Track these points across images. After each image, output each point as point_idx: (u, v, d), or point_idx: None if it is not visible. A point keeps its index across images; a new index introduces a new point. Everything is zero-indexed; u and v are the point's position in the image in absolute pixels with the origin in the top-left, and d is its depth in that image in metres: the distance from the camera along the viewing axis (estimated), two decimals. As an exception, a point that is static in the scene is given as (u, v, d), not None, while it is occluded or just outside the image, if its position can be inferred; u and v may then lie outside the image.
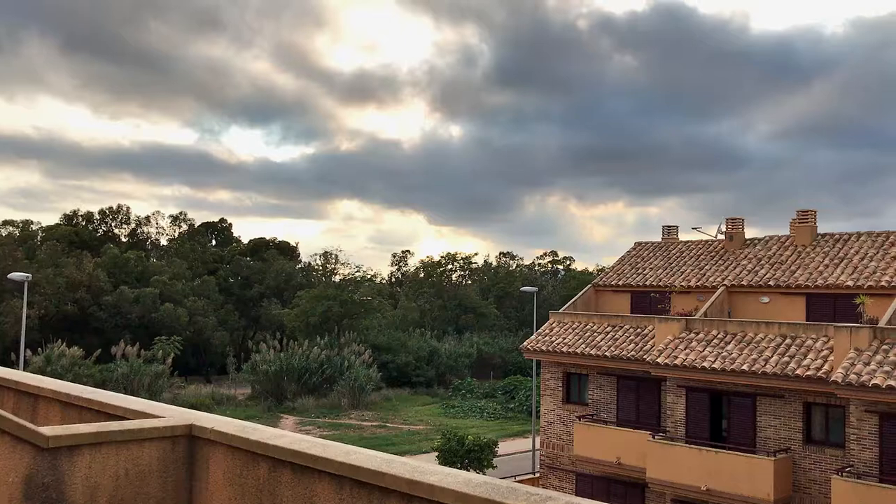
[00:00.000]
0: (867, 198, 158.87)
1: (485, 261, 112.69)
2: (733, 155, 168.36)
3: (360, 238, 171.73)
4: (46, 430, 4.38)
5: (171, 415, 5.17)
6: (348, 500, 3.90)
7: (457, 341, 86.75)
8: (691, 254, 31.01)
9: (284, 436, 4.42)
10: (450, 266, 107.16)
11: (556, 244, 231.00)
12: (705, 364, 23.42)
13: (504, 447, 43.80)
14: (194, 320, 76.35)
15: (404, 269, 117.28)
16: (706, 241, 31.68)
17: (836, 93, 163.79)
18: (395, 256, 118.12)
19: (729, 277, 28.02)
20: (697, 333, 24.89)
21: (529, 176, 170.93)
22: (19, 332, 34.47)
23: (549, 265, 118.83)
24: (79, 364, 57.50)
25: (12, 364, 50.49)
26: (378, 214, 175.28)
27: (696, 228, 33.03)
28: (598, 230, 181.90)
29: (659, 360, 24.35)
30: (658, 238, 33.56)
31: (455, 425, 57.04)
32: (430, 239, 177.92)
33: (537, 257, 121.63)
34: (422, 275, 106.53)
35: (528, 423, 59.51)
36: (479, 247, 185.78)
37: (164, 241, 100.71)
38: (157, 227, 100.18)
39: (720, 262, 29.50)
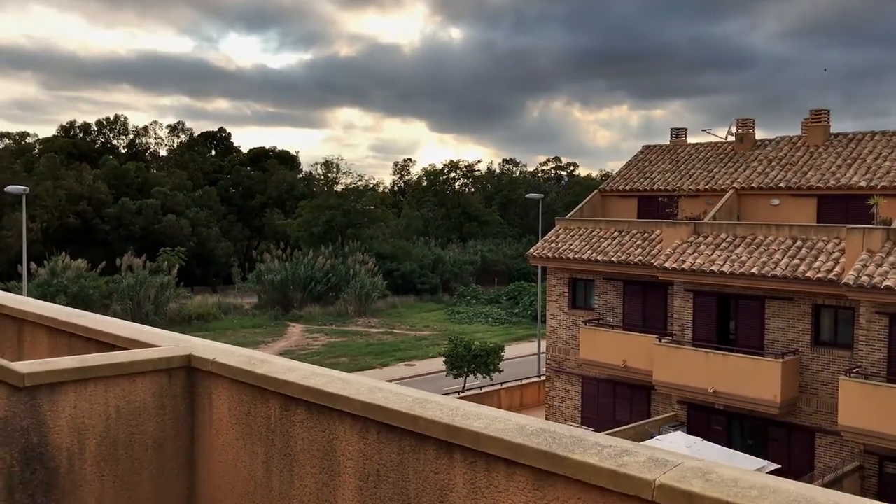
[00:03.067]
0: (875, 98, 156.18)
1: (488, 168, 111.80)
2: (740, 55, 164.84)
3: (362, 147, 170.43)
4: (21, 366, 3.83)
5: (168, 343, 4.53)
6: (375, 444, 3.40)
7: (461, 249, 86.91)
8: (700, 156, 30.40)
9: (296, 369, 3.86)
10: (452, 174, 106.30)
11: (560, 150, 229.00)
12: (714, 268, 23.18)
13: (509, 351, 44.20)
14: (197, 231, 76.26)
15: (407, 177, 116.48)
16: (715, 144, 31.02)
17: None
18: (396, 165, 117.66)
19: (738, 180, 27.50)
20: (706, 237, 24.57)
21: (532, 80, 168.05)
22: (22, 245, 34.37)
23: (553, 171, 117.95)
24: (84, 276, 57.67)
25: (19, 277, 50.58)
26: (378, 122, 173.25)
27: (705, 130, 32.50)
28: (602, 135, 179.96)
29: (666, 264, 24.12)
30: (665, 141, 32.89)
31: (461, 331, 57.59)
32: (432, 147, 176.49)
33: (541, 164, 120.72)
34: (424, 183, 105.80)
35: (533, 328, 60.08)
36: (482, 154, 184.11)
37: (163, 152, 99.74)
38: (155, 138, 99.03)
39: (730, 164, 28.92)
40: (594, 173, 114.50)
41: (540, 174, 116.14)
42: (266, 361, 4.04)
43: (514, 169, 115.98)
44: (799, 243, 22.71)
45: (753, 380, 22.21)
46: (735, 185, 27.28)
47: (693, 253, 24.07)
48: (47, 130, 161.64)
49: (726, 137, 30.81)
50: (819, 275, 21.19)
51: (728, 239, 24.08)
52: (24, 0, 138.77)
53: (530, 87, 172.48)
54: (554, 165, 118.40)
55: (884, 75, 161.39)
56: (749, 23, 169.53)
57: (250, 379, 3.91)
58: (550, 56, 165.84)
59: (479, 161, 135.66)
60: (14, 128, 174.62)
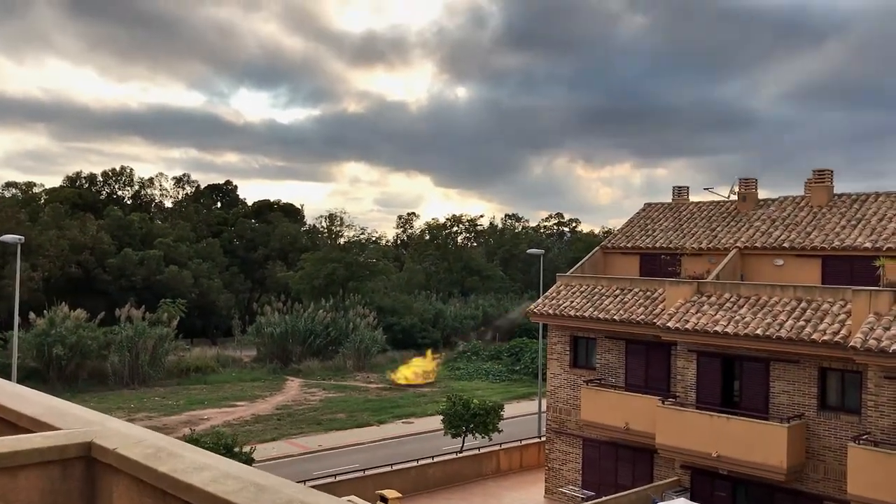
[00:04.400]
0: (877, 159, 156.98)
1: (490, 223, 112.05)
2: (742, 116, 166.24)
3: (366, 201, 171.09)
4: None
5: (71, 424, 3.63)
6: None
7: (462, 303, 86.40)
8: (702, 215, 30.20)
9: (207, 469, 3.04)
10: (455, 228, 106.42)
11: (563, 206, 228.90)
12: (717, 328, 22.76)
13: (510, 410, 43.46)
14: (199, 283, 75.99)
15: (410, 231, 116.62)
16: (718, 202, 30.84)
17: (848, 54, 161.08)
18: (400, 219, 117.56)
19: (742, 239, 27.23)
20: (709, 297, 24.21)
21: (536, 138, 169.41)
22: (23, 295, 34.08)
23: (555, 227, 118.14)
24: (83, 326, 57.17)
25: (12, 326, 50.13)
26: (384, 177, 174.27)
27: (707, 189, 32.25)
28: (605, 192, 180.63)
29: (670, 323, 23.70)
30: (668, 199, 32.74)
31: (460, 387, 56.79)
32: (436, 201, 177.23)
33: (543, 219, 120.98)
34: (427, 237, 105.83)
35: (534, 386, 59.23)
36: (485, 209, 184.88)
37: (168, 204, 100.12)
38: (160, 189, 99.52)
39: (732, 223, 28.69)
40: (596, 230, 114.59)
41: (542, 230, 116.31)
42: (175, 455, 3.19)
43: (517, 224, 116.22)
44: (804, 304, 22.32)
45: (759, 444, 21.61)
46: (738, 244, 26.99)
47: (696, 312, 23.68)
48: (56, 181, 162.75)
49: (729, 196, 30.66)
50: (825, 337, 20.76)
51: (732, 299, 23.71)
52: (40, 54, 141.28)
53: (534, 143, 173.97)
54: (556, 221, 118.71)
55: (884, 137, 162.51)
56: (750, 85, 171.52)
57: (152, 478, 3.11)
58: (555, 114, 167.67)
59: (481, 216, 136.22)
60: (25, 178, 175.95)
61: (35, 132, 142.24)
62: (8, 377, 43.91)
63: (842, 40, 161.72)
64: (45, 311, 57.94)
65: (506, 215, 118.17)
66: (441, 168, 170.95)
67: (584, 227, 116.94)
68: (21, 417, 3.77)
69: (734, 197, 30.21)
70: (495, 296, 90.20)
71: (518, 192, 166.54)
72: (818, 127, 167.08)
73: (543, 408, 38.71)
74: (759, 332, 21.99)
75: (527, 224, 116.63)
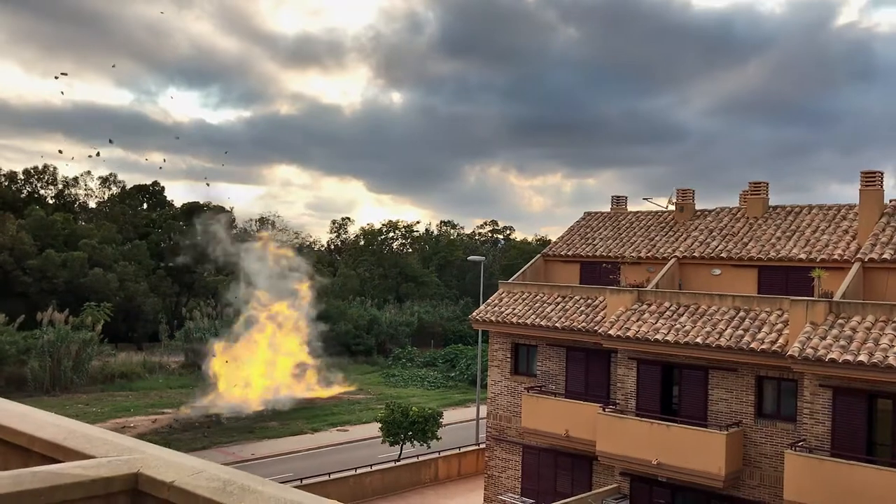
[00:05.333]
0: (799, 174, 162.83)
1: (426, 229, 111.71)
2: (671, 129, 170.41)
3: (298, 204, 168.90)
4: None
5: (100, 450, 3.01)
6: None
7: (397, 310, 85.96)
8: (641, 224, 30.57)
9: (286, 499, 2.68)
10: (391, 234, 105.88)
11: (496, 214, 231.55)
12: (658, 336, 22.98)
13: (447, 416, 43.22)
14: (125, 286, 73.55)
15: (343, 236, 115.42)
16: (656, 212, 31.28)
17: (772, 70, 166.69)
18: (334, 223, 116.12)
19: (680, 249, 27.63)
20: (650, 305, 24.44)
21: (471, 146, 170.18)
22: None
23: (490, 234, 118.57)
24: (1, 330, 54.69)
25: (-73, 330, 47.71)
26: (316, 181, 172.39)
27: (646, 199, 32.76)
28: (538, 200, 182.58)
29: (611, 331, 23.83)
30: (600, 208, 33.14)
31: (396, 394, 56.41)
32: (369, 207, 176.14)
33: (478, 226, 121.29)
34: (362, 242, 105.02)
35: (470, 392, 59.22)
36: (420, 215, 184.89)
37: (92, 204, 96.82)
38: (85, 189, 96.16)
39: (671, 233, 29.11)
40: (530, 237, 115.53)
41: (477, 237, 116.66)
42: (249, 491, 2.76)
43: (452, 231, 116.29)
44: (742, 314, 22.72)
45: (698, 451, 21.86)
46: (677, 253, 27.38)
47: (637, 321, 23.87)
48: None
49: (667, 207, 31.12)
50: (763, 346, 21.14)
51: (672, 307, 23.99)
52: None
53: (468, 151, 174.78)
54: (491, 229, 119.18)
55: (806, 153, 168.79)
56: (678, 98, 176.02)
57: None
58: (488, 123, 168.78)
59: (417, 222, 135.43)
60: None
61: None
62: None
63: (765, 57, 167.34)
64: (-41, 315, 55.25)
65: (441, 222, 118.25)
66: (375, 173, 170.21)
67: (518, 235, 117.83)
68: (34, 441, 3.15)
69: (672, 207, 30.67)
70: (431, 302, 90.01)
71: (452, 199, 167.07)
72: (743, 141, 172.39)
73: (482, 414, 38.63)
74: (699, 340, 22.28)
75: (462, 231, 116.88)
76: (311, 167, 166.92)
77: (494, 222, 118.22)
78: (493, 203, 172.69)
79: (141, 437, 40.71)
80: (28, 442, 3.15)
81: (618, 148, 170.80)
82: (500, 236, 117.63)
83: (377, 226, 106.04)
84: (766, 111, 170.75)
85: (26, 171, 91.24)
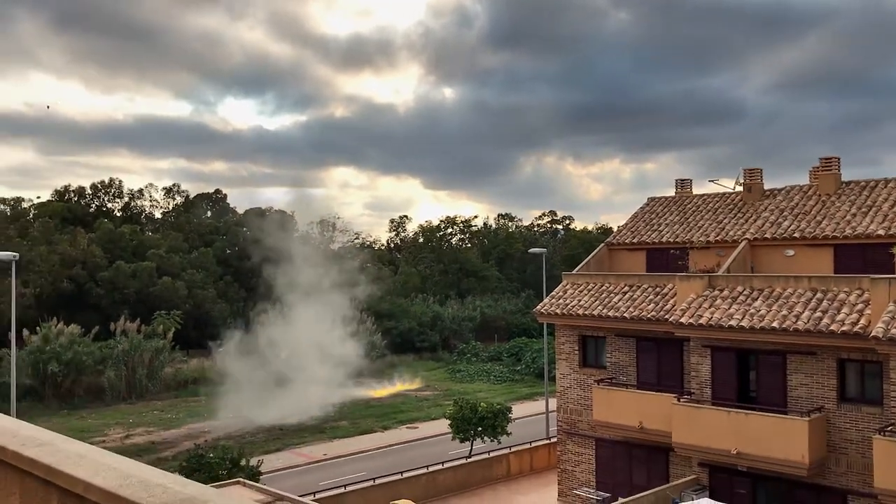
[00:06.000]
0: (866, 147, 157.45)
1: (484, 223, 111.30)
2: (729, 108, 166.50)
3: (356, 205, 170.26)
4: None
5: (163, 500, 2.56)
6: None
7: (459, 305, 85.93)
8: (708, 207, 29.75)
9: None
10: (449, 230, 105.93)
11: (554, 204, 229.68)
12: (732, 322, 22.29)
13: (515, 411, 42.95)
14: (193, 293, 75.19)
15: (403, 234, 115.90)
16: (723, 194, 30.40)
17: (833, 42, 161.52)
18: (392, 222, 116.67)
19: (750, 231, 26.79)
20: (722, 290, 23.74)
21: (525, 137, 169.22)
22: (16, 311, 33.20)
23: (549, 225, 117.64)
24: (77, 342, 56.40)
25: (7, 344, 49.28)
26: (373, 181, 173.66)
27: (712, 181, 31.79)
28: (595, 188, 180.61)
29: (683, 319, 23.22)
30: (660, 193, 32.37)
31: (462, 390, 56.33)
32: (426, 204, 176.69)
33: (536, 218, 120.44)
34: (421, 240, 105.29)
35: (537, 386, 58.81)
36: (476, 210, 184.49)
37: (158, 214, 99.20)
38: (150, 200, 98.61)
39: (739, 214, 28.25)
40: (590, 226, 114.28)
41: (536, 228, 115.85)
42: None
43: (510, 224, 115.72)
44: (819, 295, 21.88)
45: (779, 439, 21.14)
46: (747, 235, 26.55)
47: (709, 307, 23.21)
48: (44, 196, 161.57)
49: (734, 187, 30.22)
50: (844, 328, 20.32)
51: (745, 292, 23.25)
52: (23, 68, 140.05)
53: (522, 142, 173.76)
54: (549, 219, 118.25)
55: (872, 126, 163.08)
56: (736, 76, 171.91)
57: None
58: (542, 112, 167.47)
59: (475, 216, 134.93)
60: (13, 193, 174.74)
61: (20, 147, 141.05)
62: (6, 397, 43.11)
63: (825, 29, 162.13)
64: (37, 328, 57.15)
65: (499, 215, 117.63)
66: (430, 170, 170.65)
67: (577, 225, 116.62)
68: (89, 489, 2.82)
69: (739, 188, 29.76)
70: (492, 296, 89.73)
71: (508, 192, 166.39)
72: (805, 117, 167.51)
73: (551, 408, 38.25)
74: (775, 324, 21.53)
75: (520, 223, 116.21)
76: (367, 167, 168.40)
77: (553, 213, 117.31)
78: (550, 193, 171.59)
79: (216, 441, 41.46)
80: (84, 490, 2.84)
81: (675, 130, 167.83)
82: (560, 227, 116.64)
83: (435, 222, 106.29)
84: (829, 85, 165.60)
85: (94, 186, 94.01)
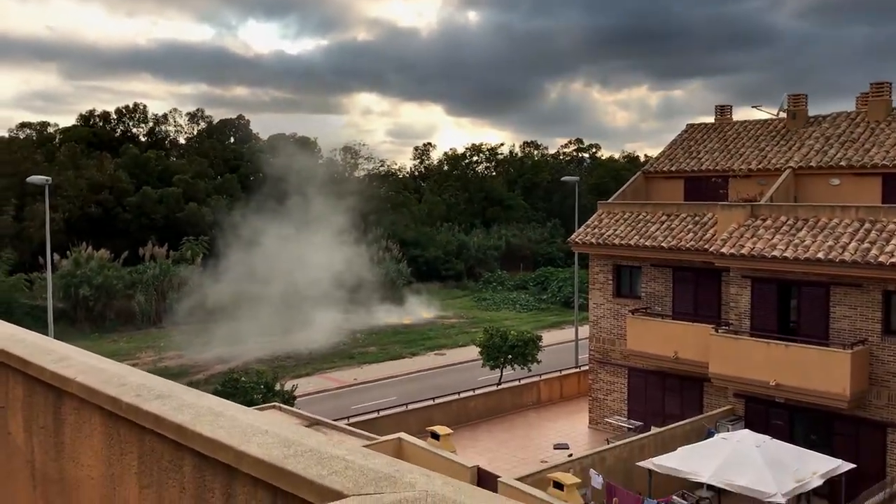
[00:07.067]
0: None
1: (510, 151, 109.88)
2: (761, 33, 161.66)
3: (379, 132, 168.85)
4: None
5: (356, 478, 1.93)
6: None
7: (485, 234, 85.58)
8: (750, 135, 28.88)
9: None
10: (475, 158, 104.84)
11: (580, 132, 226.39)
12: (775, 253, 21.78)
13: (542, 339, 43.02)
14: (219, 219, 75.32)
15: (427, 162, 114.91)
16: (765, 121, 29.46)
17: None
18: (416, 150, 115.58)
19: (794, 159, 26.00)
20: (764, 220, 23.14)
21: (551, 62, 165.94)
22: (45, 237, 33.39)
23: (575, 153, 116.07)
24: (107, 267, 56.94)
25: (40, 268, 49.84)
26: (395, 107, 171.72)
27: (755, 106, 30.78)
28: (622, 116, 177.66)
29: (724, 249, 22.73)
30: (690, 121, 31.47)
31: (489, 318, 56.49)
32: (448, 131, 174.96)
33: (562, 146, 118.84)
34: (446, 168, 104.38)
35: (564, 314, 58.81)
36: (500, 137, 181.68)
37: (182, 140, 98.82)
38: (175, 126, 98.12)
39: (783, 142, 27.40)
40: (616, 154, 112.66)
41: (562, 156, 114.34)
42: None
43: (536, 152, 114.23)
44: (867, 226, 21.25)
45: (820, 372, 20.84)
46: (791, 164, 25.78)
47: (752, 237, 22.66)
48: (68, 121, 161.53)
49: (778, 114, 29.23)
50: (893, 259, 19.75)
51: (789, 222, 22.65)
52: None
53: (548, 68, 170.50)
54: (576, 147, 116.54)
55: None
56: (769, 0, 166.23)
57: None
58: (568, 37, 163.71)
59: (501, 144, 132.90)
60: (37, 118, 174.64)
61: (44, 71, 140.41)
62: (42, 319, 43.64)
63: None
64: (67, 252, 57.68)
65: (524, 143, 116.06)
66: (453, 97, 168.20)
67: (604, 153, 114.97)
68: (241, 458, 2.21)
69: (783, 115, 28.79)
70: (518, 225, 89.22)
71: (533, 120, 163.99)
72: (840, 42, 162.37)
73: (579, 337, 38.16)
74: (820, 255, 21.00)
75: (546, 151, 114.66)
76: (389, 93, 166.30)
77: (579, 140, 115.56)
78: (575, 121, 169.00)
79: (247, 365, 41.98)
80: (235, 459, 2.20)
81: (705, 56, 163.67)
82: (586, 155, 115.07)
83: (460, 150, 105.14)
84: (865, 8, 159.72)
85: (118, 111, 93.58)
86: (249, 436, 2.17)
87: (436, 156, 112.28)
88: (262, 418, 2.32)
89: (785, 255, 21.59)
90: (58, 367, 2.81)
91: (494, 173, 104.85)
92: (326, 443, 2.09)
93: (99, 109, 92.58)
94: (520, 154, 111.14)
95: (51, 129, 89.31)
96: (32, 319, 50.90)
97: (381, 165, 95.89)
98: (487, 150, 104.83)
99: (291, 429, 2.21)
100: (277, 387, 27.14)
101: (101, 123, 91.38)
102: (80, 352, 3.06)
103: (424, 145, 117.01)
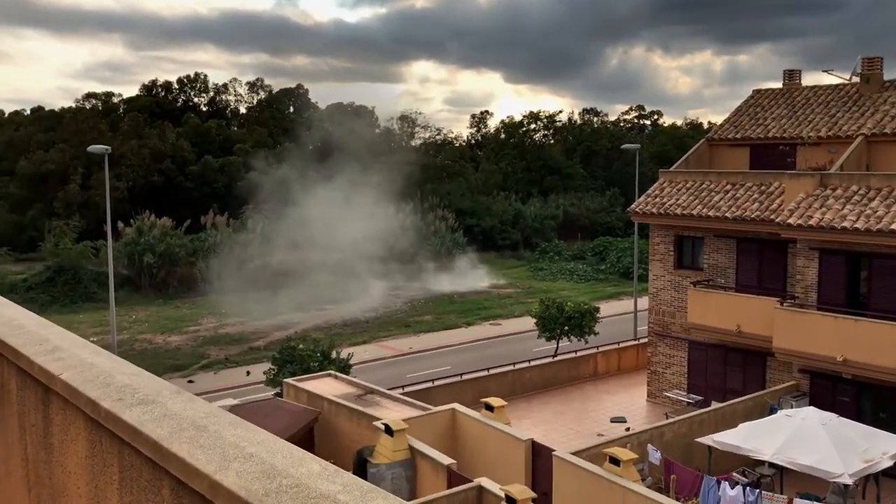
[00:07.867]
0: None
1: (569, 119, 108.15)
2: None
3: (436, 101, 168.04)
4: None
5: None
6: None
7: (542, 203, 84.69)
8: (819, 100, 27.69)
9: None
10: (532, 126, 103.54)
11: (641, 98, 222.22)
12: (846, 224, 20.90)
13: (600, 310, 42.47)
14: (278, 188, 76.13)
15: (484, 130, 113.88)
16: (836, 86, 28.20)
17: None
18: (473, 118, 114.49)
19: (867, 125, 24.84)
20: (834, 190, 22.21)
21: (611, 27, 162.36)
22: (110, 204, 34.08)
23: (636, 121, 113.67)
24: (170, 234, 58.10)
25: (106, 236, 51.09)
26: (453, 75, 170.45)
27: (826, 71, 29.44)
28: (684, 81, 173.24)
29: (791, 220, 21.91)
30: (756, 87, 30.27)
31: (545, 288, 56.04)
32: (507, 98, 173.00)
33: (622, 113, 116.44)
34: (503, 136, 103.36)
35: (622, 285, 58.01)
36: (559, 104, 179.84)
37: (242, 109, 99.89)
38: (235, 95, 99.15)
39: (855, 108, 26.20)
40: (679, 122, 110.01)
41: (622, 124, 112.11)
42: None
43: (595, 119, 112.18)
44: (946, 196, 20.20)
45: (892, 347, 20.02)
46: (863, 131, 24.64)
47: (820, 207, 21.78)
48: (133, 91, 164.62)
49: (850, 78, 27.95)
50: (974, 231, 18.76)
51: (861, 191, 21.69)
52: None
53: (609, 34, 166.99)
54: (637, 114, 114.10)
55: None
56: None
57: None
58: (629, 1, 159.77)
59: (560, 111, 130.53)
60: (103, 88, 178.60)
61: (110, 42, 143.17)
62: (104, 285, 44.70)
63: None
64: (131, 220, 58.98)
65: (583, 110, 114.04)
66: (511, 64, 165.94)
67: (666, 120, 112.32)
68: (216, 490, 1.86)
69: (856, 79, 27.50)
70: (576, 194, 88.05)
71: (592, 86, 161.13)
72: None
73: (639, 308, 37.53)
74: (894, 227, 20.06)
75: (605, 118, 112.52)
76: (447, 61, 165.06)
77: (641, 107, 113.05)
78: (636, 87, 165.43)
79: (305, 332, 42.48)
80: (210, 490, 1.83)
81: (771, 19, 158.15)
82: (647, 122, 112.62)
83: (517, 118, 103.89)
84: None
85: (180, 81, 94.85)
86: (230, 460, 1.84)
87: (493, 124, 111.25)
88: (254, 434, 1.99)
89: (856, 226, 20.71)
90: (46, 359, 2.58)
91: (552, 141, 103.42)
92: (321, 474, 1.74)
93: (161, 79, 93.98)
94: (579, 121, 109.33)
95: (115, 100, 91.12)
96: (98, 286, 52.35)
97: (438, 134, 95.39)
98: (545, 117, 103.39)
99: (284, 450, 1.86)
100: (333, 355, 27.32)
101: (163, 93, 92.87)
102: (74, 342, 2.81)
103: (482, 113, 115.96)
